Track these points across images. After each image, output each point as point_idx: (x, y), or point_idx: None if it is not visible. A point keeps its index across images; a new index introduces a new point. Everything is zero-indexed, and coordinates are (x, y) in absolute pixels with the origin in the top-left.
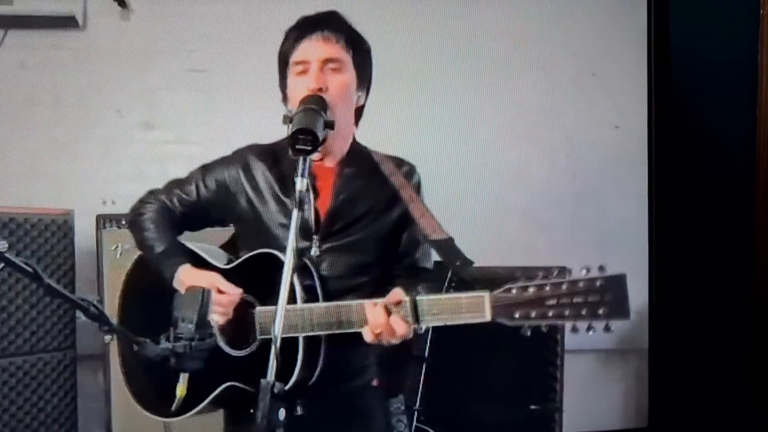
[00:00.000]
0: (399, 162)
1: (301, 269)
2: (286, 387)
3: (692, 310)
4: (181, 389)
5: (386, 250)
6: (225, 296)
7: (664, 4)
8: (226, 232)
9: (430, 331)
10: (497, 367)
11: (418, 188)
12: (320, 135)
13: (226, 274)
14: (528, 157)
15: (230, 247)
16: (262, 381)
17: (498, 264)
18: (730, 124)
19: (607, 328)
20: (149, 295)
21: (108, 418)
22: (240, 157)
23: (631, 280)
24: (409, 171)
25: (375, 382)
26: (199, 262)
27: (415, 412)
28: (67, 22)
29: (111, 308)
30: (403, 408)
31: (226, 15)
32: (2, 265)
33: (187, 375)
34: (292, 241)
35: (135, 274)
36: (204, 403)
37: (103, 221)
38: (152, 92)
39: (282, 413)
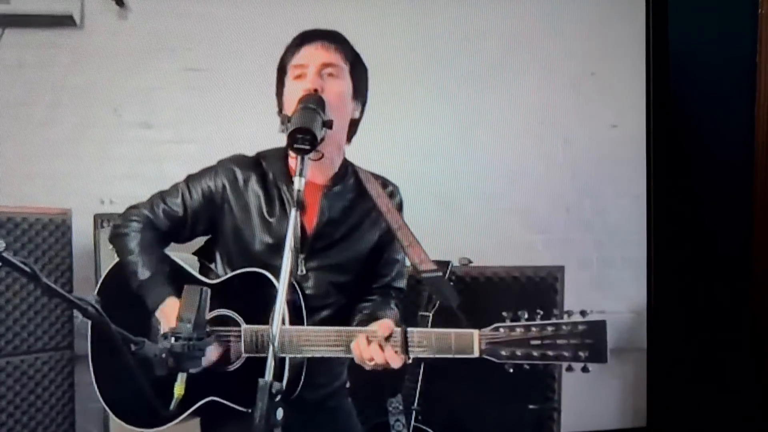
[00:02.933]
0: (384, 182)
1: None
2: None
3: (690, 310)
4: (179, 389)
5: (366, 269)
6: None
7: (663, 3)
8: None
9: None
10: (495, 367)
11: (400, 209)
12: (318, 134)
13: (211, 289)
14: (526, 157)
15: (205, 254)
16: (260, 381)
17: (496, 264)
18: (728, 123)
19: (585, 369)
20: (125, 303)
21: (105, 418)
22: (226, 169)
23: (630, 279)
24: (392, 192)
25: (348, 384)
26: (181, 274)
27: (414, 412)
28: (64, 21)
29: None
30: (401, 408)
31: (224, 14)
32: (0, 264)
33: (185, 375)
34: (290, 240)
35: (112, 281)
36: (183, 416)
37: (101, 221)
38: (150, 91)
39: (280, 413)
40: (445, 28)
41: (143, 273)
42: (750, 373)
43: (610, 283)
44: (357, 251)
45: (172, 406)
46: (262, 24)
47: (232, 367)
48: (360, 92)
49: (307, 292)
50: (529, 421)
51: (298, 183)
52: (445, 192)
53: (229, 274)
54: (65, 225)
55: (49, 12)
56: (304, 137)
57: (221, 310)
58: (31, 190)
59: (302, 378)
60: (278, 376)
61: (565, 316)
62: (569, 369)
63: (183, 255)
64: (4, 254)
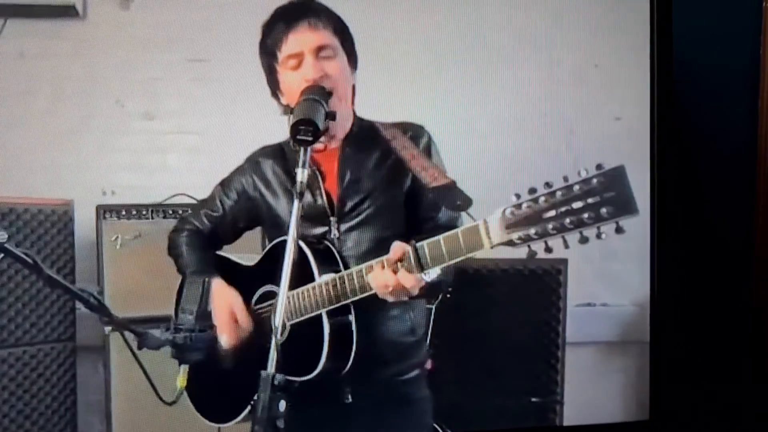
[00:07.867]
0: (405, 127)
1: (323, 253)
2: (311, 376)
3: (694, 303)
4: (180, 380)
5: (406, 218)
6: (237, 325)
7: None
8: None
9: (431, 324)
10: (498, 360)
11: (428, 150)
12: (321, 126)
13: (252, 272)
14: (529, 149)
15: None
16: (262, 373)
17: (498, 256)
18: (732, 116)
19: (618, 230)
20: None
21: (108, 409)
22: (251, 162)
23: (633, 272)
24: (414, 134)
25: (429, 365)
26: (230, 266)
27: None
28: (66, 11)
29: (111, 299)
30: None
31: (227, 4)
32: (2, 255)
33: (186, 366)
34: (292, 232)
35: None
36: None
37: (103, 212)
38: (152, 82)
39: (282, 404)
40: (448, 18)
41: (189, 267)
42: (753, 367)
43: (613, 275)
44: (389, 202)
45: (175, 397)
46: (266, 13)
47: (282, 339)
48: (353, 59)
49: (347, 253)
50: (531, 414)
51: (301, 174)
52: None
53: (263, 252)
54: (67, 216)
55: (52, 2)
56: (306, 129)
57: (268, 286)
58: (33, 180)
59: (353, 348)
60: (317, 348)
61: (578, 174)
62: (599, 236)
63: (246, 256)
64: (6, 245)
